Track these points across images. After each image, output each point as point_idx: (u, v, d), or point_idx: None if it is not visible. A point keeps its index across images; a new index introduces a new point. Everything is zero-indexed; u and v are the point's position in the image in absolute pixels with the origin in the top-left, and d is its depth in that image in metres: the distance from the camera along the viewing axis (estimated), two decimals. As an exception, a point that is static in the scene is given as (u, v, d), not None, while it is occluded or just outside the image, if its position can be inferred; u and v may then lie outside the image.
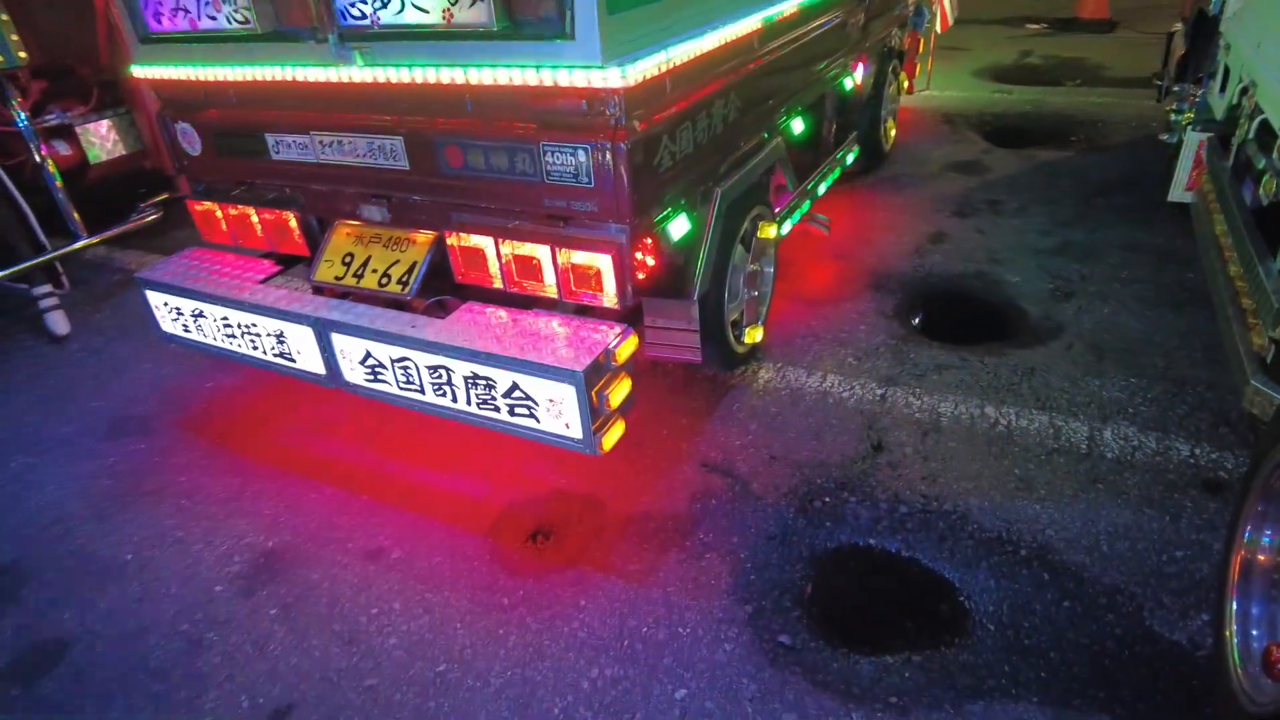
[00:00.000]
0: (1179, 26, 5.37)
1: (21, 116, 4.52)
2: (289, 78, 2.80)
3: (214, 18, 2.79)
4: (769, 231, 3.55)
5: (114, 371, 4.18)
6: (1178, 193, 4.04)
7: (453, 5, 2.29)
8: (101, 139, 5.30)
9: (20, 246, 4.48)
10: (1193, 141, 3.90)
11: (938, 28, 7.05)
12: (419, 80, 2.50)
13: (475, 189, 2.60)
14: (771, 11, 3.21)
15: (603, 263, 2.48)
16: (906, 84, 6.19)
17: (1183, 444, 2.96)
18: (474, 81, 2.41)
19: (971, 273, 4.35)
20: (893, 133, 6.00)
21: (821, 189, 4.43)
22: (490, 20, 2.25)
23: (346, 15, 2.51)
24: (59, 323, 4.60)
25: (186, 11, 2.85)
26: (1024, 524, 2.66)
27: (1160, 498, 2.72)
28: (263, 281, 3.18)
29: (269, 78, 2.85)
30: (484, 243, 2.71)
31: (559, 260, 2.57)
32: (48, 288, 4.57)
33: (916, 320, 4.00)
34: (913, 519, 2.73)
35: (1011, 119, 6.80)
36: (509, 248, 2.65)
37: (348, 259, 3.06)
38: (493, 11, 2.23)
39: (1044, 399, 3.28)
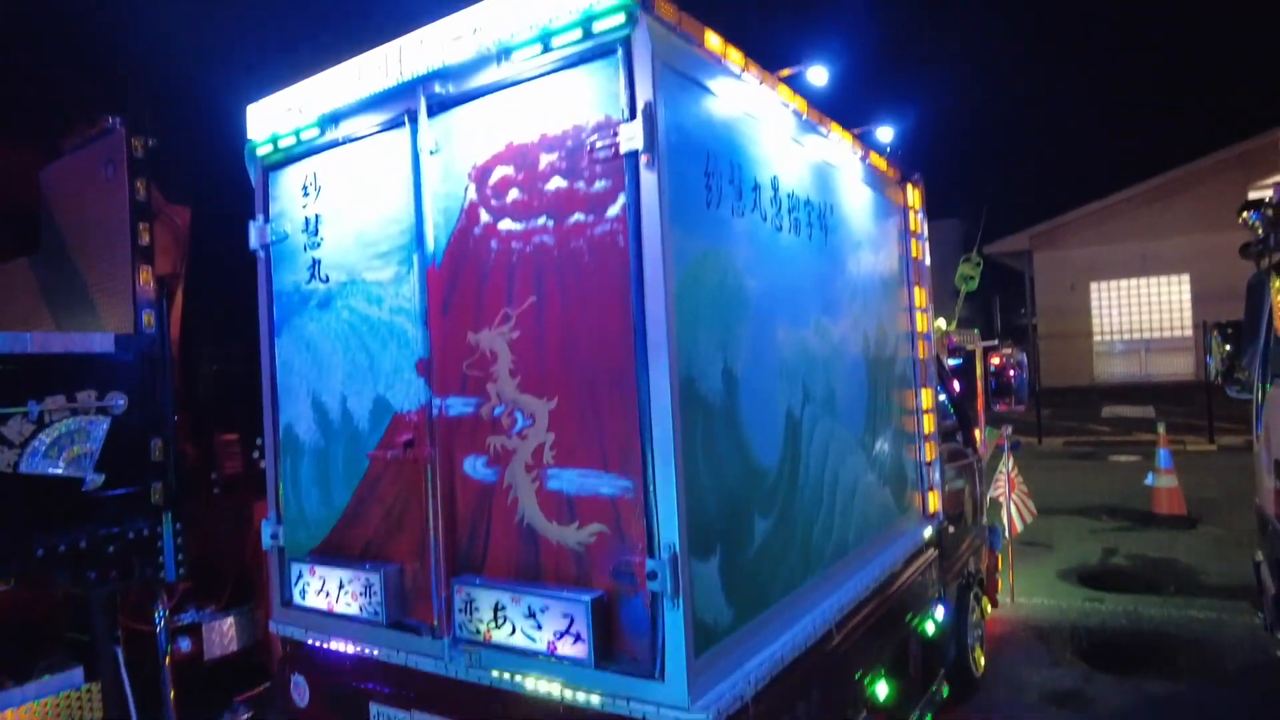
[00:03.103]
0: (1260, 557, 5.40)
1: (160, 621, 4.99)
2: (403, 662, 3.08)
3: (349, 605, 3.20)
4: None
5: None
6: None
7: (558, 640, 2.57)
8: (222, 635, 5.71)
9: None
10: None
11: (1008, 533, 7.30)
12: (517, 689, 2.72)
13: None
14: (848, 600, 3.47)
15: None
16: (990, 607, 6.23)
17: None
18: (566, 699, 2.60)
19: None
20: (982, 660, 5.88)
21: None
22: (588, 659, 2.50)
23: (464, 627, 2.83)
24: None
25: (328, 595, 3.28)
26: None
27: None
28: None
29: (386, 658, 3.14)
30: None
31: None
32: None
33: None
34: None
35: (1109, 636, 6.60)
36: None
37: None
38: (591, 652, 2.49)
39: None
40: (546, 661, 2.63)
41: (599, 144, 2.59)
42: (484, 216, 2.90)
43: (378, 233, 3.23)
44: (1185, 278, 24.57)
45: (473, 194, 2.93)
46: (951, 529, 5.41)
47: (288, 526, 3.55)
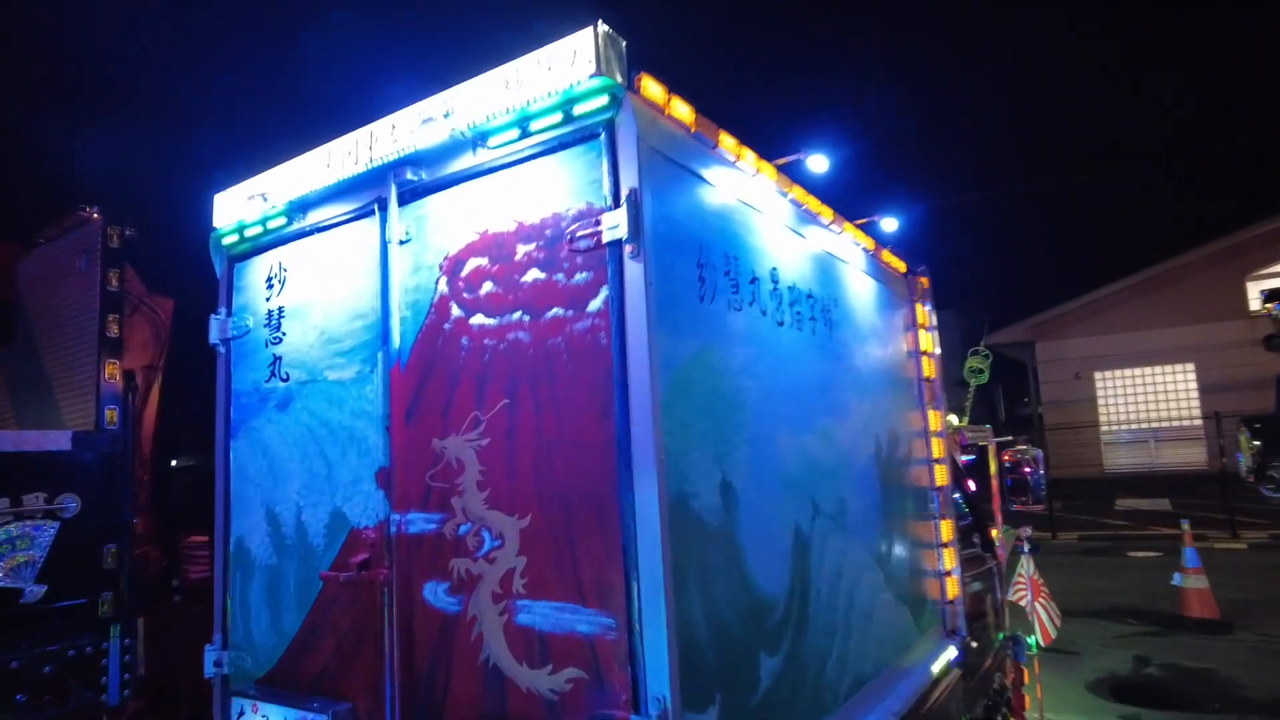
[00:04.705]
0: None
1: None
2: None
3: (293, 751, 2.78)
4: None
5: None
6: None
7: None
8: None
9: None
10: None
11: (1040, 642, 6.78)
12: None
13: None
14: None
15: None
16: (1020, 730, 5.69)
17: None
18: None
19: None
20: (1015, 794, 5.31)
21: None
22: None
23: (417, 785, 2.42)
24: None
25: (270, 739, 2.86)
26: None
27: None
28: None
29: (330, 815, 2.70)
30: None
31: None
32: None
33: None
34: None
35: (1150, 762, 6.00)
36: None
37: None
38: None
39: None
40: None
41: (580, 233, 2.35)
42: (455, 311, 2.64)
43: (342, 328, 2.97)
44: (1190, 367, 24.34)
45: (444, 286, 2.67)
46: (975, 644, 4.95)
47: (234, 652, 3.16)
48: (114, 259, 4.83)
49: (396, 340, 2.75)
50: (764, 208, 3.07)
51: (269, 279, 3.28)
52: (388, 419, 2.72)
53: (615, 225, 2.24)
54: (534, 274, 2.44)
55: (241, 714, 2.98)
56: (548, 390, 2.38)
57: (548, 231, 2.44)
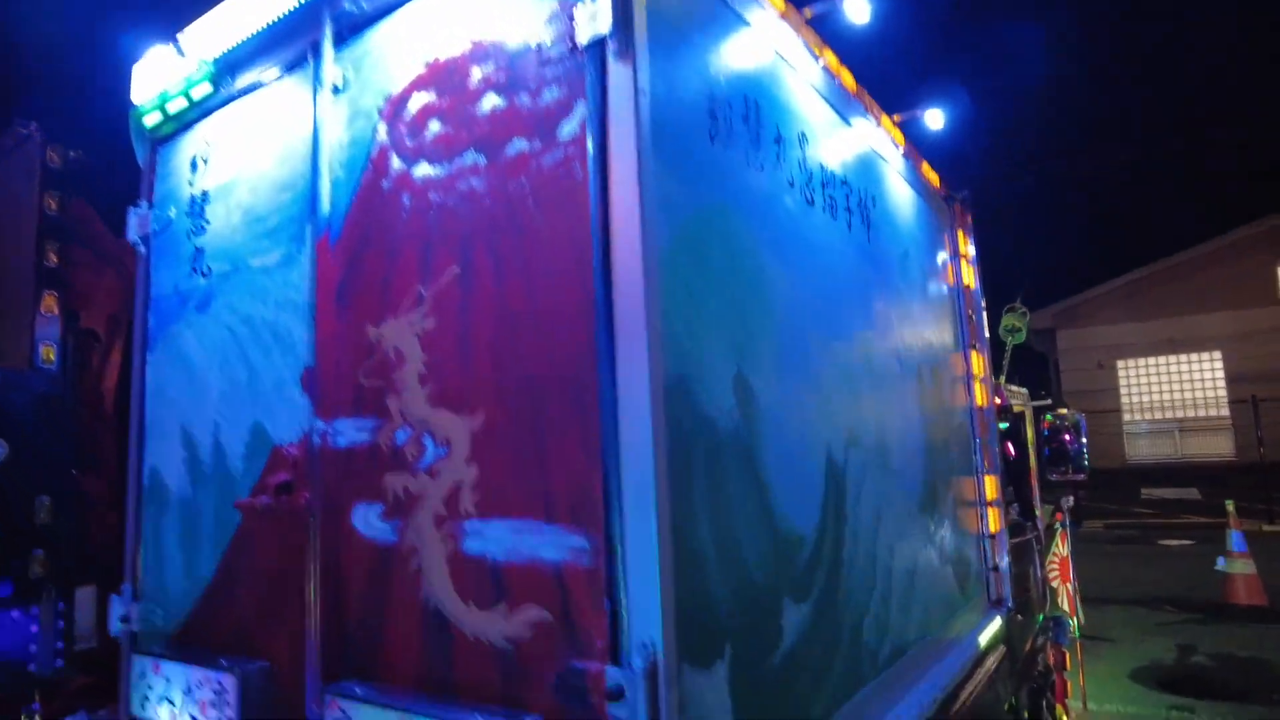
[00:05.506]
0: None
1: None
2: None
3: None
4: None
5: None
6: None
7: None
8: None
9: None
10: None
11: (1080, 628, 6.19)
12: None
13: None
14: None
15: None
16: (1065, 718, 5.09)
17: None
18: None
19: None
20: (1063, 789, 4.73)
21: None
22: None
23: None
24: None
25: (171, 705, 2.32)
26: None
27: None
28: None
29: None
30: None
31: None
32: None
33: None
34: None
35: (1209, 757, 5.40)
36: None
37: None
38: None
39: None
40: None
41: (549, 39, 1.78)
42: (396, 164, 2.07)
43: (268, 204, 2.41)
44: (1217, 355, 23.52)
45: (383, 135, 2.10)
46: (1019, 617, 4.36)
47: (145, 604, 2.62)
48: (53, 180, 4.29)
49: (326, 206, 2.18)
50: (795, 63, 2.48)
51: (193, 160, 2.72)
52: (314, 306, 2.16)
53: (594, 15, 1.66)
54: (492, 101, 1.87)
55: (143, 676, 2.44)
56: (510, 249, 1.81)
57: (509, 45, 1.86)
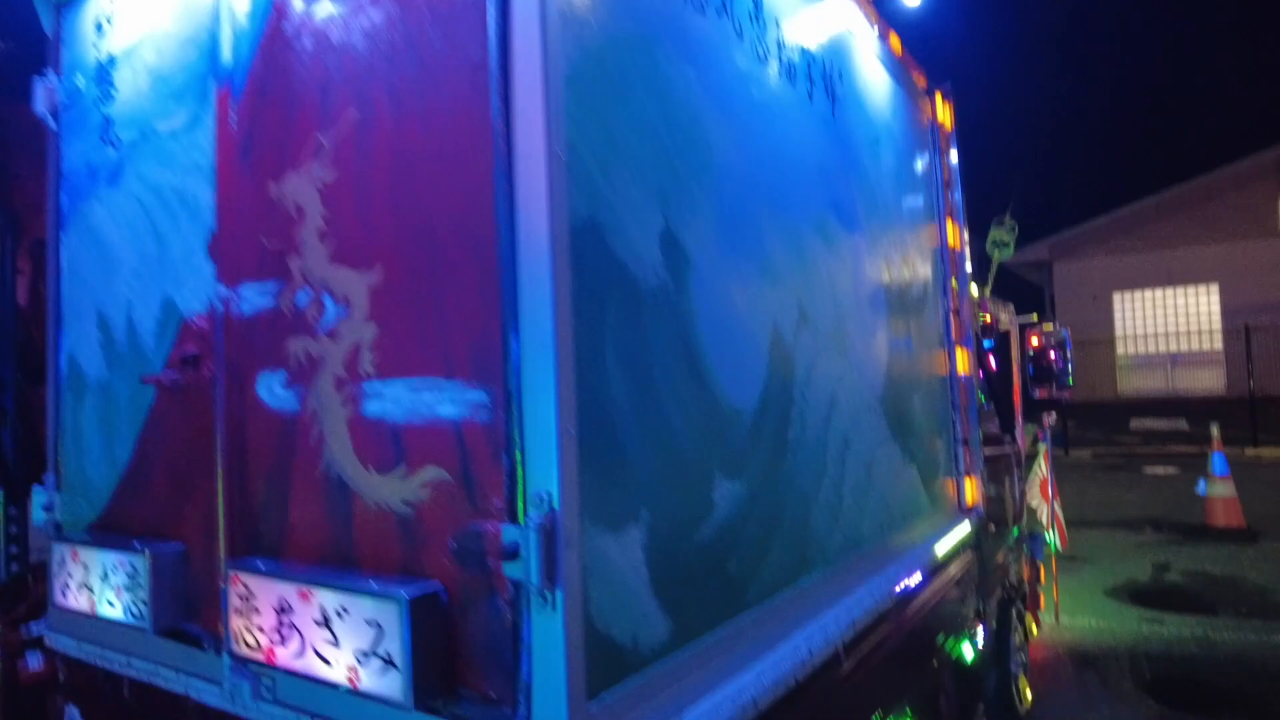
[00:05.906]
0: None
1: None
2: (181, 690, 2.02)
3: (113, 605, 2.14)
4: None
5: None
6: None
7: (361, 663, 1.51)
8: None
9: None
10: None
11: (1058, 545, 6.17)
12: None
13: None
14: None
15: None
16: (1035, 628, 5.10)
17: None
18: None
19: None
20: (1028, 692, 4.74)
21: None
22: (404, 697, 1.43)
23: (242, 637, 1.77)
24: None
25: (89, 589, 2.23)
26: None
27: None
28: None
29: (161, 684, 2.09)
30: None
31: None
32: None
33: None
34: None
35: (1178, 665, 5.43)
36: None
37: None
38: (409, 686, 1.42)
39: None
40: (349, 699, 1.56)
41: None
42: (298, 3, 1.87)
43: (173, 63, 2.21)
44: (1214, 287, 23.30)
45: (283, -30, 1.90)
46: (993, 528, 4.31)
47: (66, 494, 2.51)
48: (-16, 69, 4.03)
49: (228, 57, 1.99)
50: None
51: (98, 22, 2.51)
52: (217, 166, 1.99)
53: None
54: (391, -83, 1.67)
55: (63, 564, 2.34)
56: (408, 84, 1.64)
57: None
